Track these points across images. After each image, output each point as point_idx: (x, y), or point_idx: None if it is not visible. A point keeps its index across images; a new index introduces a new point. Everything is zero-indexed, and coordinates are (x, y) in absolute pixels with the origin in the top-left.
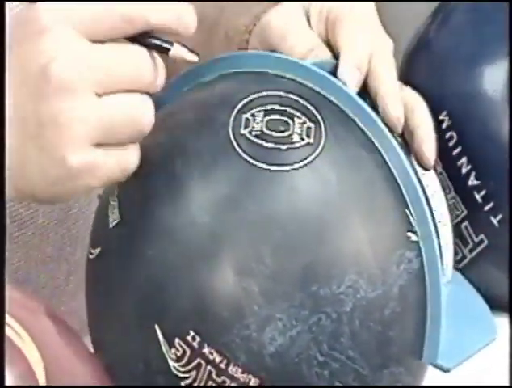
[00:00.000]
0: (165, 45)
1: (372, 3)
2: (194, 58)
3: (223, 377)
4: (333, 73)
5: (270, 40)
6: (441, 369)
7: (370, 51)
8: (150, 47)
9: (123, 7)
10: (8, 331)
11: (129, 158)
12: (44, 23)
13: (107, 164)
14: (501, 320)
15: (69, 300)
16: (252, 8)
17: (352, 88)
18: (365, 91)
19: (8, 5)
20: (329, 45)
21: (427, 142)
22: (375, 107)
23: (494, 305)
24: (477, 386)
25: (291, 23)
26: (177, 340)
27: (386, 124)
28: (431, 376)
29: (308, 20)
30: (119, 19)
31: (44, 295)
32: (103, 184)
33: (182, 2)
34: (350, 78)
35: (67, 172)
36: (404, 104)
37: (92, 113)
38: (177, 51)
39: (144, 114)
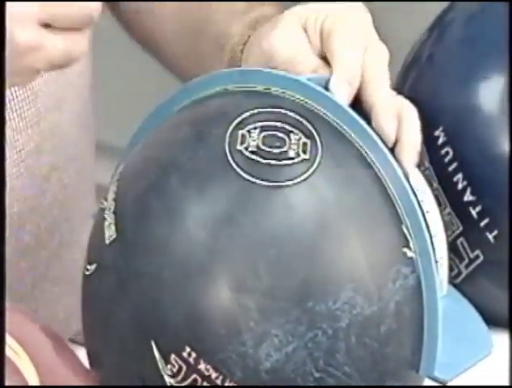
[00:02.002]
0: None
1: (368, 13)
2: None
3: None
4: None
5: (275, 64)
6: (438, 381)
7: (362, 63)
8: None
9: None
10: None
11: (76, 44)
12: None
13: (53, 46)
14: (500, 336)
15: (52, 287)
16: (243, 16)
17: (343, 102)
18: (360, 104)
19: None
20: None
21: (410, 150)
22: (369, 121)
23: (491, 320)
24: (477, 386)
25: (296, 46)
26: (173, 356)
27: (381, 139)
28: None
29: (306, 31)
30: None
31: (25, 284)
32: (47, 67)
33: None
34: (340, 93)
35: (14, 49)
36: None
37: None
38: None
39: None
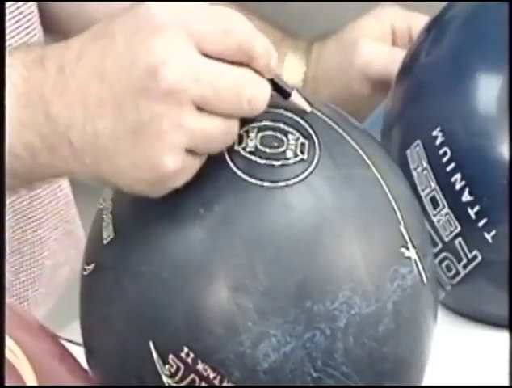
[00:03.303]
0: (287, 89)
1: None
2: (308, 108)
3: None
4: None
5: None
6: None
7: None
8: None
9: (241, 35)
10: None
11: None
12: (158, 22)
13: (195, 167)
14: (500, 336)
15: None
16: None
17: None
18: None
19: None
20: None
21: None
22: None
23: (489, 320)
24: (477, 386)
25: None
26: (171, 356)
27: (376, 141)
28: (431, 376)
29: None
30: (235, 47)
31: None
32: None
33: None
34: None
35: (160, 175)
36: None
37: (193, 125)
38: (296, 98)
39: (233, 136)
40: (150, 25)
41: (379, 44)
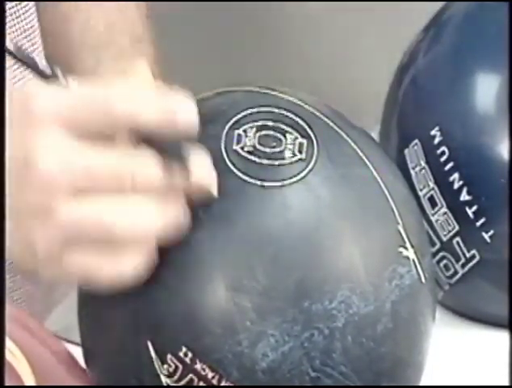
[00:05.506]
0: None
1: None
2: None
3: None
4: None
5: None
6: None
7: None
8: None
9: (116, 106)
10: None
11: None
12: (34, 117)
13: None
14: (500, 336)
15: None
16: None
17: None
18: None
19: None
20: None
21: None
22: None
23: (487, 320)
24: (477, 386)
25: None
26: (169, 356)
27: (374, 141)
28: (431, 376)
29: None
30: (109, 122)
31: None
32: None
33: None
34: None
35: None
36: None
37: (68, 216)
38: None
39: (116, 221)
40: (28, 120)
41: None
